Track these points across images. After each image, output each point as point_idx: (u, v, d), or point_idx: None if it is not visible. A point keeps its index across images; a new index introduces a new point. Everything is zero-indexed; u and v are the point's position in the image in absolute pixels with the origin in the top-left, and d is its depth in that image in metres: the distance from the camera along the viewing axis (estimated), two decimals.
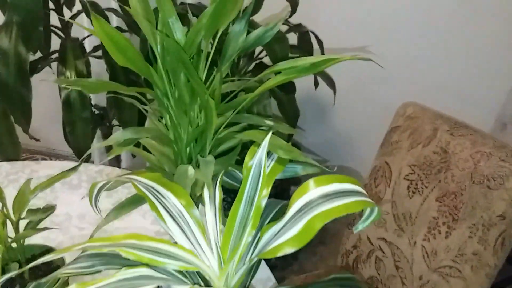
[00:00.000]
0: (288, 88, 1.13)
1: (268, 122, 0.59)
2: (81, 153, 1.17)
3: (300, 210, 0.40)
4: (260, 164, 0.43)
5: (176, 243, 0.43)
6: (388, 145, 1.12)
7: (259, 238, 0.42)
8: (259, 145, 0.50)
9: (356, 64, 1.55)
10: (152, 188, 0.46)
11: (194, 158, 0.60)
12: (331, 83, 1.16)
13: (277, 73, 0.54)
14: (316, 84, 1.24)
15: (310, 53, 1.25)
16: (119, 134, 0.52)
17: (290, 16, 1.11)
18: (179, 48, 0.46)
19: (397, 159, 1.09)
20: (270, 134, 0.44)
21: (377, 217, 0.41)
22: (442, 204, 0.99)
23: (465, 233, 0.95)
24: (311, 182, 0.42)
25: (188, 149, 0.59)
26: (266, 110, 0.95)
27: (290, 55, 1.10)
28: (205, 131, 0.55)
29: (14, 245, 0.69)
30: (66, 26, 1.19)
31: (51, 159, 2.28)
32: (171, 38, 0.48)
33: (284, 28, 1.21)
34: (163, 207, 0.45)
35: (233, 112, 0.55)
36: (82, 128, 1.12)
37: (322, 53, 1.19)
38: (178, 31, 0.53)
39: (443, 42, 1.50)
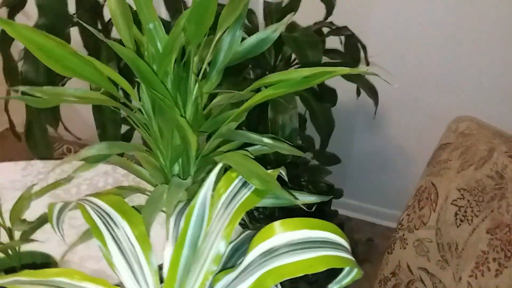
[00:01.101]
0: (324, 96, 1.04)
1: (266, 141, 0.52)
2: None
3: (256, 260, 0.33)
4: (204, 201, 0.36)
5: (119, 285, 0.37)
6: (435, 163, 0.99)
7: None
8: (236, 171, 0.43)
9: (408, 73, 1.42)
10: (106, 214, 0.40)
11: (184, 175, 0.54)
12: (372, 93, 1.05)
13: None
14: (359, 92, 1.13)
15: (357, 59, 1.15)
16: (88, 150, 0.47)
17: (325, 19, 1.02)
18: (134, 57, 0.40)
19: (445, 181, 0.96)
20: (220, 166, 0.37)
21: (357, 276, 0.32)
22: (494, 237, 0.85)
23: None
24: (276, 224, 0.34)
25: (176, 165, 0.53)
26: (293, 121, 0.87)
27: (331, 60, 1.01)
28: (186, 150, 0.49)
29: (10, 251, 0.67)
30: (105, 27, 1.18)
31: None
32: (128, 48, 0.42)
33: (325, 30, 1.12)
34: (112, 238, 0.39)
35: (216, 130, 0.48)
36: (113, 130, 1.11)
37: (366, 59, 1.08)
38: (160, 39, 0.47)
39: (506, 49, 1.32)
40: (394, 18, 1.35)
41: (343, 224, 1.84)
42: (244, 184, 0.42)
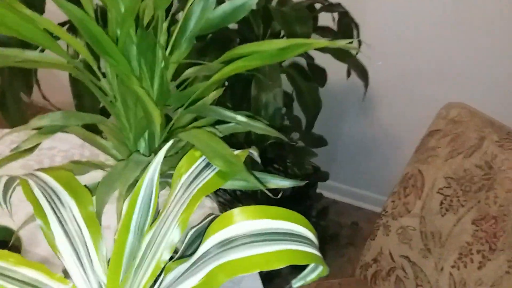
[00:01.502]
0: (312, 75, 1.00)
1: (240, 118, 0.48)
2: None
3: (211, 250, 0.29)
4: (152, 184, 0.32)
5: (63, 272, 0.34)
6: (423, 150, 0.96)
7: (162, 278, 0.31)
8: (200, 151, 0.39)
9: (403, 57, 1.38)
10: (52, 190, 0.36)
11: (150, 152, 0.50)
12: (363, 74, 1.01)
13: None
14: (349, 73, 1.09)
15: (348, 37, 1.10)
16: (40, 120, 0.42)
17: (326, 3, 0.97)
18: (82, 16, 0.35)
19: (432, 169, 0.92)
20: (171, 143, 0.33)
21: (323, 273, 0.29)
22: (479, 228, 0.82)
23: (502, 267, 0.78)
24: (236, 212, 0.30)
25: (142, 141, 0.49)
26: (277, 100, 0.83)
27: (322, 38, 0.96)
28: (150, 124, 0.44)
29: None
30: None
31: None
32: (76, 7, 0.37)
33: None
34: (57, 218, 0.35)
35: (186, 104, 0.44)
36: (90, 102, 1.06)
37: (358, 40, 1.03)
38: (125, 1, 0.42)
39: (503, 37, 1.28)
40: (391, 2, 1.30)
41: (328, 207, 1.82)
42: (208, 165, 0.38)
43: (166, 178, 0.46)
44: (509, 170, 0.80)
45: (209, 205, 0.73)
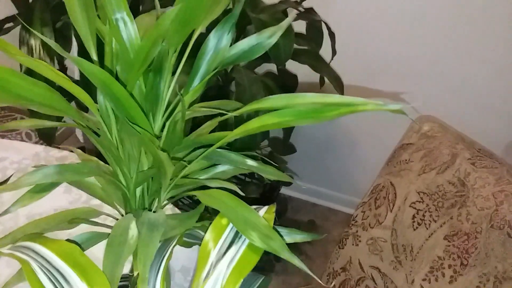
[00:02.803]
0: (285, 83, 0.97)
1: (250, 163, 0.44)
2: (47, 138, 1.02)
3: None
4: (160, 265, 0.28)
5: None
6: (396, 163, 0.97)
7: None
8: (226, 218, 0.35)
9: (367, 57, 1.38)
10: (58, 272, 0.31)
11: (148, 201, 0.45)
12: (338, 84, 1.00)
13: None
14: (322, 82, 1.07)
15: (319, 44, 1.08)
16: (30, 176, 0.36)
17: (300, 2, 0.94)
18: (106, 77, 0.30)
19: (405, 182, 0.94)
20: (175, 243, 0.29)
21: None
22: (451, 244, 0.85)
23: (473, 282, 0.81)
24: None
25: (139, 190, 0.44)
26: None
27: (296, 46, 0.93)
28: (157, 177, 0.40)
29: None
30: None
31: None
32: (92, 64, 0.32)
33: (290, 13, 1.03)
34: None
35: (198, 157, 0.39)
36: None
37: (333, 48, 1.02)
38: (128, 35, 0.37)
39: (470, 41, 1.32)
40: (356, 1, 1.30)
41: (286, 205, 1.82)
42: (237, 233, 0.34)
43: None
44: (482, 188, 0.83)
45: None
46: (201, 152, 0.43)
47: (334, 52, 1.01)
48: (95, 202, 0.52)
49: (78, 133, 2.04)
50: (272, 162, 0.48)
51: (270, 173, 0.45)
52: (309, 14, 0.99)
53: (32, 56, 0.93)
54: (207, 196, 0.36)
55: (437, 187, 0.88)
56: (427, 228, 0.89)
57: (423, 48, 1.34)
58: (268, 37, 0.42)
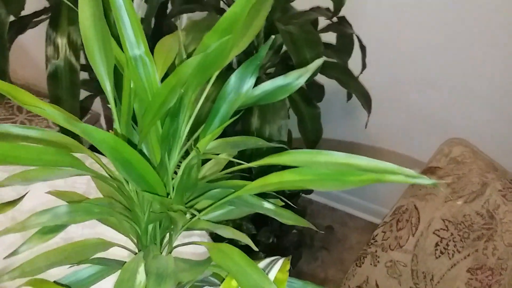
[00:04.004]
0: (313, 96, 0.94)
1: (267, 206, 0.42)
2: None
3: None
4: None
5: None
6: (421, 186, 0.94)
7: None
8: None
9: (396, 70, 1.33)
10: None
11: (159, 236, 0.44)
12: (366, 100, 0.96)
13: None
14: (349, 97, 1.04)
15: (348, 56, 1.04)
16: (39, 215, 0.35)
17: (331, 18, 0.90)
18: (116, 142, 0.28)
19: (430, 208, 0.90)
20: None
21: None
22: (474, 278, 0.81)
23: None
24: None
25: (151, 227, 0.42)
26: (281, 133, 0.77)
27: (325, 58, 0.89)
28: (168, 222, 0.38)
29: None
30: None
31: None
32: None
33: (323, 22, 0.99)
34: None
35: (212, 204, 0.37)
36: (69, 106, 0.96)
37: (363, 62, 0.98)
38: (146, 76, 0.35)
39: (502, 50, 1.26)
40: (388, 10, 1.24)
41: (306, 208, 1.80)
42: None
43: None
44: (511, 223, 0.79)
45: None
46: (216, 196, 0.41)
47: (364, 66, 0.97)
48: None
49: (102, 121, 2.05)
50: (292, 204, 0.46)
51: (287, 218, 0.43)
52: (340, 26, 0.95)
53: (58, 55, 0.93)
54: (218, 252, 0.34)
55: (464, 216, 0.84)
56: (450, 258, 0.85)
57: (457, 63, 1.29)
58: (296, 78, 0.39)
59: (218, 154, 0.44)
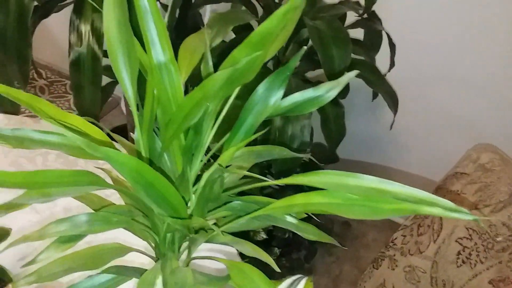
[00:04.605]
0: (339, 94, 0.91)
1: (290, 219, 0.41)
2: (90, 113, 1.01)
3: None
4: None
5: None
6: (446, 192, 0.91)
7: None
8: None
9: (421, 61, 1.28)
10: None
11: (177, 244, 0.42)
12: (393, 101, 0.93)
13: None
14: (375, 96, 1.01)
15: (376, 51, 1.01)
16: (57, 224, 0.34)
17: (362, 14, 0.87)
18: (139, 165, 0.26)
19: None
20: None
21: None
22: None
23: None
24: None
25: (169, 235, 0.41)
26: (304, 133, 0.75)
27: (353, 56, 0.87)
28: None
29: None
30: None
31: None
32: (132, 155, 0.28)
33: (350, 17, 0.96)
34: None
35: (240, 217, 0.36)
36: (91, 94, 0.96)
37: (392, 60, 0.95)
38: (171, 83, 0.33)
39: None
40: (414, 4, 1.20)
41: (333, 222, 1.78)
42: None
43: None
44: None
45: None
46: (237, 207, 0.39)
47: (392, 64, 0.94)
48: None
49: (123, 105, 2.05)
50: (317, 219, 0.45)
51: (310, 233, 0.42)
52: (370, 22, 0.92)
53: (81, 42, 0.92)
54: (239, 272, 0.33)
55: (489, 226, 0.82)
56: (471, 268, 0.83)
57: (490, 61, 1.24)
58: (327, 91, 0.37)
59: (233, 161, 0.43)
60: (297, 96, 0.37)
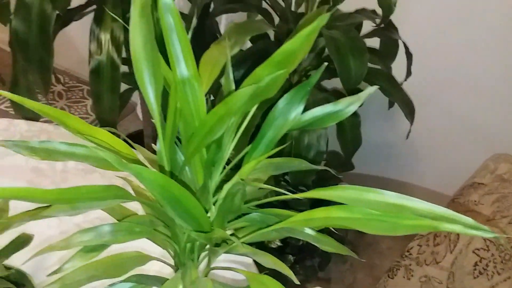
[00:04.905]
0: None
1: (308, 231, 0.41)
2: (105, 125, 1.02)
3: None
4: None
5: None
6: (463, 202, 0.90)
7: None
8: None
9: (437, 67, 1.28)
10: None
11: (197, 253, 0.43)
12: (410, 110, 0.93)
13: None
14: (391, 105, 1.01)
15: (392, 60, 1.01)
16: (82, 234, 0.35)
17: (379, 24, 0.87)
18: (165, 181, 0.27)
19: None
20: None
21: None
22: None
23: None
24: None
25: (189, 245, 0.42)
26: (320, 143, 0.75)
27: (369, 65, 0.87)
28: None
29: None
30: None
31: None
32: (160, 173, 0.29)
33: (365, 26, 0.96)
34: None
35: (261, 229, 0.37)
36: (110, 101, 0.97)
37: (409, 69, 0.94)
38: (194, 98, 0.34)
39: None
40: (428, 12, 1.19)
41: (346, 233, 1.77)
42: None
43: None
44: None
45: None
46: (256, 218, 0.40)
47: (409, 74, 0.94)
48: None
49: (139, 110, 2.07)
50: (335, 232, 0.45)
51: (328, 244, 0.42)
52: (386, 31, 0.92)
53: (101, 51, 0.93)
54: (259, 285, 0.34)
55: (507, 238, 0.81)
56: (488, 279, 0.82)
57: (505, 72, 1.23)
58: (346, 106, 0.38)
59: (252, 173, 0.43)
60: (317, 111, 0.38)
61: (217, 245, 0.37)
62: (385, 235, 1.61)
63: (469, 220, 0.29)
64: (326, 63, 0.37)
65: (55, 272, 0.36)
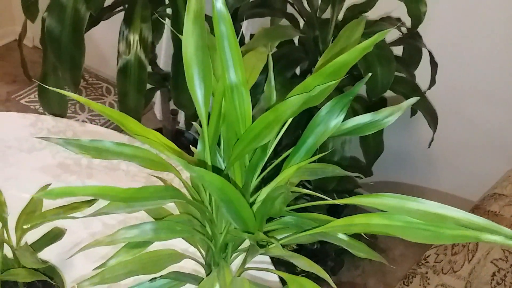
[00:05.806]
0: (374, 106, 0.92)
1: (341, 236, 0.42)
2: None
3: None
4: None
5: None
6: (483, 212, 0.90)
7: None
8: None
9: (458, 75, 1.27)
10: None
11: (230, 253, 0.44)
12: (433, 119, 0.94)
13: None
14: (414, 113, 1.01)
15: (415, 68, 1.01)
16: (127, 230, 0.36)
17: (408, 34, 0.88)
18: (223, 184, 0.29)
19: None
20: None
21: None
22: None
23: None
24: None
25: (224, 245, 0.43)
26: (345, 148, 0.76)
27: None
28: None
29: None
30: None
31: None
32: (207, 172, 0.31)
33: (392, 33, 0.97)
34: None
35: (301, 232, 0.38)
36: (135, 101, 0.99)
37: (433, 78, 0.95)
38: (241, 104, 0.35)
39: None
40: (453, 21, 1.19)
41: (376, 238, 1.77)
42: None
43: None
44: None
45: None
46: (291, 222, 0.41)
47: (433, 82, 0.95)
48: None
49: (157, 109, 2.09)
50: (365, 237, 0.46)
51: (360, 250, 0.43)
52: (412, 40, 0.93)
53: (129, 51, 0.95)
54: (298, 286, 0.35)
55: None
56: None
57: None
58: (386, 116, 0.39)
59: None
60: (358, 120, 0.39)
61: (262, 247, 0.38)
62: (398, 242, 1.61)
63: (510, 231, 0.30)
64: (369, 74, 0.38)
65: (100, 267, 0.37)
